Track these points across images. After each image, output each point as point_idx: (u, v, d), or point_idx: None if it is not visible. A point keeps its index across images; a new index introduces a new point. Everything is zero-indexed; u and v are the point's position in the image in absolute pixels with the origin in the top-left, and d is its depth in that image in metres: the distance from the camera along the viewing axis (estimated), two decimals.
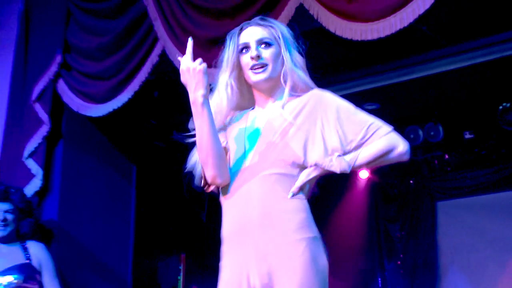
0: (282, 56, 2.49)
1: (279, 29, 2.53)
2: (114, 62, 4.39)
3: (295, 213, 2.35)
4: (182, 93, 5.06)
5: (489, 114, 5.39)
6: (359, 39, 3.67)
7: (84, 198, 4.68)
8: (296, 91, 2.53)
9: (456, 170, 6.03)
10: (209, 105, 2.43)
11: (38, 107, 4.56)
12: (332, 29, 3.67)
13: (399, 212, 6.24)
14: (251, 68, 2.48)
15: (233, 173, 2.46)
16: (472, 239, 6.09)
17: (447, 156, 6.01)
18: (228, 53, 2.53)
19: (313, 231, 2.35)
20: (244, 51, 2.51)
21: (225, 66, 2.55)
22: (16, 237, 4.20)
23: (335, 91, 5.08)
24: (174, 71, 4.42)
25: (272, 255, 2.29)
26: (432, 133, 5.63)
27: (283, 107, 2.48)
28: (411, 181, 6.27)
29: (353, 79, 4.98)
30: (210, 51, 4.08)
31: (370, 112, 5.34)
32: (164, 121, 5.23)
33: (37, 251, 4.17)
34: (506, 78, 4.95)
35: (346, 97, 5.08)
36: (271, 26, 2.53)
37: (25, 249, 4.14)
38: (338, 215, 6.44)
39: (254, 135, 2.49)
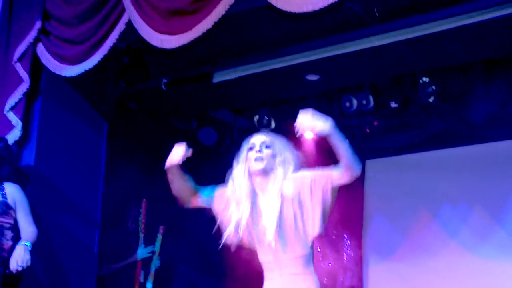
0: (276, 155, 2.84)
1: (276, 139, 2.91)
2: (86, 28, 4.21)
3: (309, 279, 2.76)
4: (147, 60, 4.87)
5: (412, 87, 5.19)
6: (297, 12, 3.57)
7: (58, 148, 4.44)
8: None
9: (383, 133, 5.85)
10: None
11: (19, 67, 4.34)
12: (273, 3, 3.56)
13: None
14: (255, 160, 2.82)
15: (264, 249, 2.79)
16: (394, 190, 5.96)
17: (376, 123, 5.81)
18: (243, 151, 2.89)
19: (317, 284, 2.76)
20: (252, 148, 2.86)
21: (241, 161, 2.87)
22: None
23: (281, 62, 4.90)
24: (142, 41, 4.25)
25: None
26: (364, 102, 5.41)
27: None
28: None
29: (298, 52, 4.70)
30: (169, 21, 3.95)
31: (312, 83, 5.11)
32: (131, 84, 4.96)
33: (12, 191, 3.92)
34: (426, 55, 4.71)
35: (291, 68, 4.90)
36: (272, 136, 2.92)
37: (1, 189, 3.92)
38: None
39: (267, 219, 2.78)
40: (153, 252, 4.94)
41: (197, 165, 5.89)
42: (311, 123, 2.64)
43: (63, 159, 4.42)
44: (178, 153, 2.85)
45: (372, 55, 4.59)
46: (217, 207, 2.90)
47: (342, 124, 5.88)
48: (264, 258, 2.81)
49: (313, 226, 2.75)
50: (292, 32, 4.47)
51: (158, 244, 4.96)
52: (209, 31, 3.86)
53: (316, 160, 5.67)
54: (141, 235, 4.99)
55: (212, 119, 5.99)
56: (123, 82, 4.86)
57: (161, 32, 3.89)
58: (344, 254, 6.12)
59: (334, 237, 6.09)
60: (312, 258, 2.79)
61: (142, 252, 4.94)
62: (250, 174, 2.85)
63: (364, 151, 6.07)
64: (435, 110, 5.36)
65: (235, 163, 2.89)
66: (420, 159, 5.83)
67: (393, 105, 5.46)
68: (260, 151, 2.83)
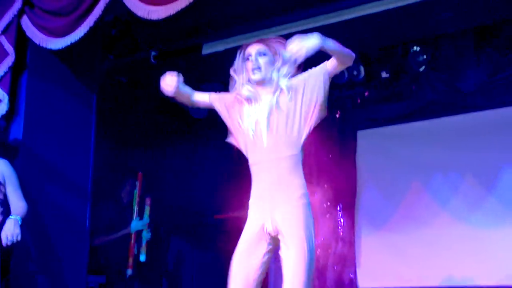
0: (274, 61, 2.85)
1: (273, 43, 2.88)
2: (71, 0, 4.07)
3: (298, 184, 2.74)
4: (135, 33, 4.78)
5: (402, 56, 5.13)
6: None
7: (47, 121, 4.32)
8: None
9: (374, 104, 5.79)
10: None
11: (3, 40, 4.22)
12: None
13: (328, 139, 5.97)
14: (252, 70, 2.83)
15: (256, 150, 2.79)
16: (385, 161, 5.89)
17: (367, 93, 5.74)
18: (239, 62, 2.89)
19: (304, 188, 2.75)
20: (248, 59, 2.86)
21: (239, 72, 2.89)
22: None
23: (271, 32, 4.81)
24: (129, 13, 4.15)
25: (281, 208, 2.71)
26: (354, 72, 5.35)
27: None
28: (337, 114, 6.00)
29: (288, 22, 4.62)
30: None
31: None
32: (120, 57, 4.88)
33: (0, 166, 3.83)
34: (417, 24, 4.63)
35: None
36: (267, 43, 2.88)
37: None
38: None
39: (262, 119, 2.80)
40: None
41: (188, 138, 5.89)
42: (301, 48, 2.64)
43: (51, 133, 4.32)
44: (171, 83, 2.88)
45: (363, 25, 4.50)
46: (219, 106, 2.94)
47: (334, 94, 5.84)
48: (255, 158, 2.81)
49: (309, 116, 2.78)
50: (281, 1, 4.38)
51: (146, 215, 4.93)
52: (196, 1, 3.78)
53: None
54: (136, 208, 4.96)
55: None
56: (111, 55, 4.79)
57: (148, 3, 3.79)
58: (337, 224, 6.09)
59: (326, 206, 6.04)
60: (301, 160, 2.79)
61: (136, 224, 4.91)
62: (249, 82, 2.86)
63: (356, 121, 6.03)
64: (426, 79, 5.31)
65: (232, 72, 2.91)
66: (411, 129, 5.76)
67: (384, 75, 5.42)
68: (256, 60, 2.82)
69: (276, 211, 2.70)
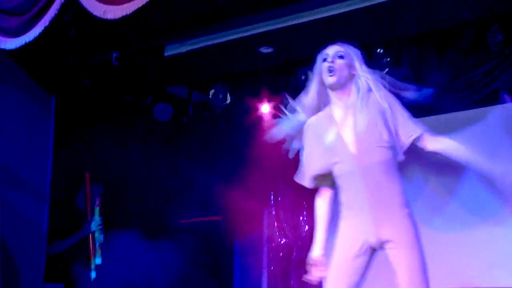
0: (353, 65, 2.72)
1: (351, 49, 2.79)
2: None
3: (399, 192, 2.59)
4: (96, 33, 4.60)
5: (367, 58, 4.97)
6: None
7: (2, 124, 4.12)
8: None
9: None
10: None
11: None
12: None
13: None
14: (327, 71, 2.69)
15: (344, 160, 2.59)
16: None
17: None
18: (317, 63, 2.77)
19: (405, 195, 2.62)
20: (325, 60, 2.74)
21: (315, 73, 2.77)
22: None
23: (233, 34, 4.66)
24: (88, 13, 3.96)
25: (388, 222, 2.53)
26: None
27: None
28: None
29: (250, 24, 4.48)
30: None
31: (265, 55, 4.87)
32: (80, 58, 4.68)
33: None
34: (380, 26, 4.53)
35: (244, 40, 4.66)
36: (345, 47, 2.79)
37: None
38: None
39: (347, 127, 2.62)
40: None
41: (152, 141, 5.70)
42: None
43: (7, 136, 4.12)
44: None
45: (327, 26, 4.39)
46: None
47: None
48: (345, 169, 2.59)
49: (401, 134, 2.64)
50: (243, 2, 4.24)
51: (97, 216, 4.71)
52: (154, 1, 3.61)
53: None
54: (88, 209, 4.75)
55: (167, 95, 5.74)
56: (70, 56, 4.58)
57: (104, 2, 3.64)
58: (301, 226, 5.90)
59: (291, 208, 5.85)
60: (397, 165, 2.62)
61: (94, 224, 4.70)
62: (324, 85, 2.72)
63: None
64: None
65: (310, 74, 2.82)
66: None
67: None
68: (332, 62, 2.70)
69: (381, 224, 2.53)
